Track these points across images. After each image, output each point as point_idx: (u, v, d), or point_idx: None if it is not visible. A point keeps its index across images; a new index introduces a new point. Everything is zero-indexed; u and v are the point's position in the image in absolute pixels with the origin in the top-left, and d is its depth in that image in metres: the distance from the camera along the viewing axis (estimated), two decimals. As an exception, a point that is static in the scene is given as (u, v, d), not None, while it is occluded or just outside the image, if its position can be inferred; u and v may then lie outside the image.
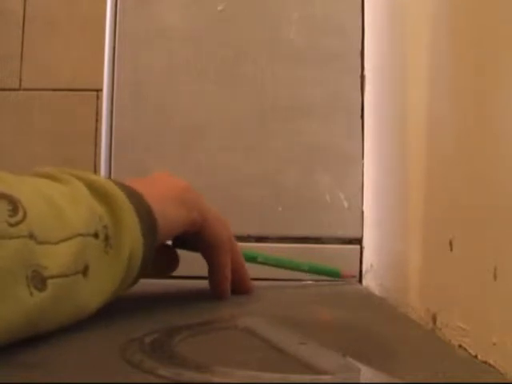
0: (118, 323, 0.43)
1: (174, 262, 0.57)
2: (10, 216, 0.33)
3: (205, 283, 0.57)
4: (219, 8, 0.76)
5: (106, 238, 0.41)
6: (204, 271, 0.57)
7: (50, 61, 1.19)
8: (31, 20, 1.18)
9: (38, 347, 0.35)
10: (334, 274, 0.69)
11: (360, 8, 0.76)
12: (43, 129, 1.18)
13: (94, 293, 0.40)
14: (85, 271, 0.38)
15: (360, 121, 0.75)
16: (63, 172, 0.43)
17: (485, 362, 0.34)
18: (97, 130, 1.15)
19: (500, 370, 0.33)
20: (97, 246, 0.40)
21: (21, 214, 0.34)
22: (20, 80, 1.18)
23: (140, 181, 0.50)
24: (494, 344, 0.33)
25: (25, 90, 1.18)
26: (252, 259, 0.63)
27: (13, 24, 1.18)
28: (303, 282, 0.70)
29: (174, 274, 0.65)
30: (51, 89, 1.19)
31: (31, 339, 0.35)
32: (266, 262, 0.65)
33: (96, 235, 0.40)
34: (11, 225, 0.33)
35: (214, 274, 0.56)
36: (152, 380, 0.30)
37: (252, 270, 0.60)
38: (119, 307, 0.44)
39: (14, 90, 1.18)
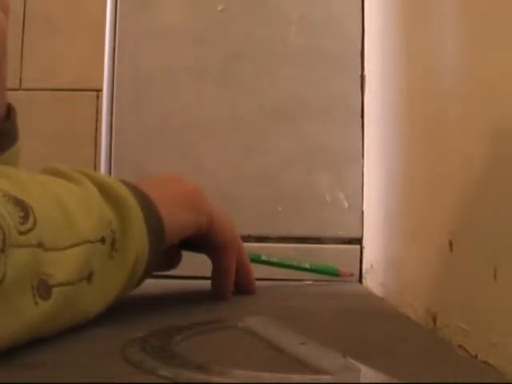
0: (118, 323, 0.43)
1: (177, 259, 0.57)
2: (21, 223, 0.33)
3: (205, 283, 0.57)
4: (219, 8, 0.76)
5: (113, 242, 0.41)
6: (204, 271, 0.57)
7: (50, 61, 1.19)
8: (31, 20, 1.18)
9: (38, 347, 0.35)
10: (332, 273, 0.70)
11: (360, 8, 0.76)
12: (43, 129, 1.17)
13: (96, 298, 0.40)
14: (89, 277, 0.38)
15: (360, 121, 0.75)
16: (76, 171, 0.43)
17: (485, 362, 0.34)
18: (97, 130, 1.15)
19: (500, 370, 0.33)
20: (103, 252, 0.40)
21: (31, 221, 0.33)
22: (20, 80, 1.18)
23: (150, 183, 0.49)
24: (494, 344, 0.33)
25: (25, 90, 1.18)
26: (255, 258, 0.63)
27: (13, 24, 1.18)
28: (303, 282, 0.70)
29: (175, 273, 0.65)
30: (51, 89, 1.19)
31: (31, 339, 0.35)
32: (269, 261, 0.65)
33: (103, 240, 0.40)
34: (21, 233, 0.32)
35: (218, 274, 0.56)
36: (152, 380, 0.30)
37: (254, 269, 0.60)
38: (120, 307, 0.44)
39: (14, 89, 1.18)
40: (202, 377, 0.30)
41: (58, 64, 1.19)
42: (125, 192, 0.43)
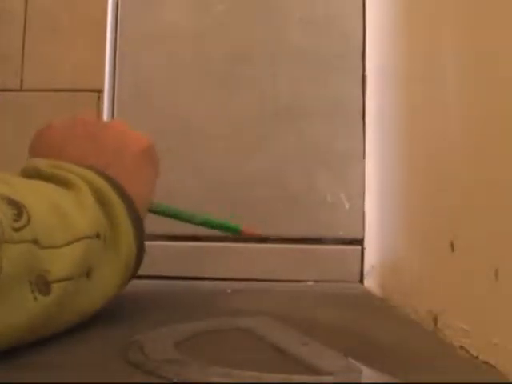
0: (118, 324, 0.43)
1: None
2: (15, 220, 0.33)
3: (206, 284, 0.57)
4: (220, 8, 0.76)
5: (105, 239, 0.41)
6: (204, 272, 0.57)
7: (51, 61, 1.19)
8: (32, 20, 1.18)
9: (38, 347, 0.35)
10: (232, 230, 0.58)
11: (361, 9, 0.76)
12: (44, 129, 1.17)
13: (97, 293, 0.40)
14: (88, 273, 0.39)
15: (361, 121, 0.75)
16: (57, 168, 0.43)
17: (486, 363, 0.34)
18: (98, 130, 1.15)
19: (501, 371, 0.33)
20: (99, 246, 0.40)
21: (25, 218, 0.34)
22: (21, 81, 1.18)
23: (117, 164, 0.49)
24: (496, 345, 0.33)
25: (26, 90, 1.18)
26: None
27: (14, 24, 1.18)
28: (305, 283, 0.70)
29: (175, 274, 0.64)
30: (52, 90, 1.19)
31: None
32: (153, 210, 0.54)
33: (98, 236, 0.40)
34: (15, 229, 0.33)
35: None
36: (153, 380, 0.30)
37: (254, 270, 0.60)
38: (120, 307, 0.44)
39: (15, 90, 1.18)
40: (202, 377, 0.30)
41: (59, 65, 1.19)
42: (107, 188, 0.43)
